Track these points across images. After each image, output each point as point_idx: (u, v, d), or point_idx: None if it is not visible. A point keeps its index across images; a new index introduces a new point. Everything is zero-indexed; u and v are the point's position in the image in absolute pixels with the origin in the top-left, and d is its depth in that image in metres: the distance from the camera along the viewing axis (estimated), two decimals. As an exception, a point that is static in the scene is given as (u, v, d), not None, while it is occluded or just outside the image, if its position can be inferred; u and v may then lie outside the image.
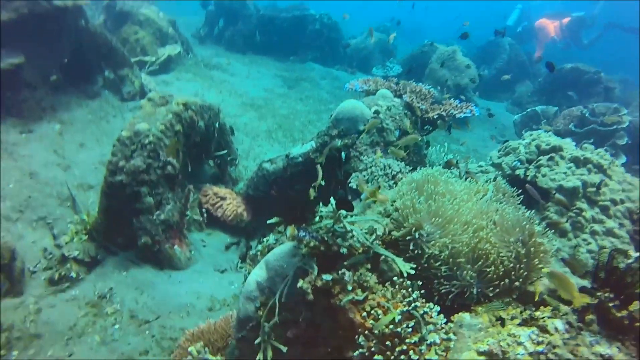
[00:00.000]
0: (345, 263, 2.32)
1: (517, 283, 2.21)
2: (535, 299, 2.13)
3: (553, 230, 3.93)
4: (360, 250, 2.39)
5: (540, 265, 2.25)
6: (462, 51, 11.73)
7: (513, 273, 2.22)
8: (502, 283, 2.24)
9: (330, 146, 3.87)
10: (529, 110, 10.50)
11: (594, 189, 4.08)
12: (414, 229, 2.38)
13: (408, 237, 2.37)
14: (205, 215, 4.72)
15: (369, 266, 2.33)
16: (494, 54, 14.33)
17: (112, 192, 3.86)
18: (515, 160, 4.57)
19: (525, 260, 2.24)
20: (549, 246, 2.38)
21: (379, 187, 2.83)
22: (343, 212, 2.34)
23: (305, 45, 13.32)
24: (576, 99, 11.60)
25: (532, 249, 2.26)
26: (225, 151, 5.21)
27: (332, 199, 2.37)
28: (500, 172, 4.67)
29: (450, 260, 2.33)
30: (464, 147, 9.29)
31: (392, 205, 2.76)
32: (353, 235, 2.40)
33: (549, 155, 4.30)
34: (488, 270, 2.28)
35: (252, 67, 11.14)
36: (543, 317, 1.85)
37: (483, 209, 2.53)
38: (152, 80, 7.16)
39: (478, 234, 2.39)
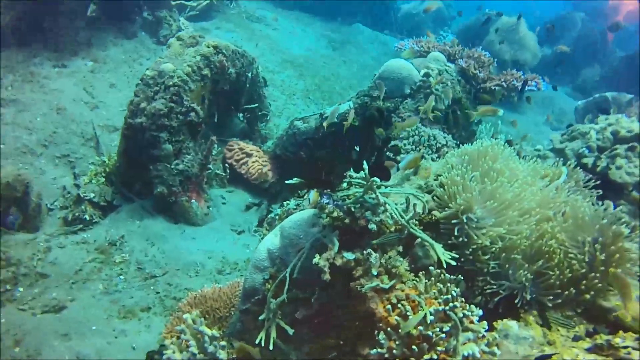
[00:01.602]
0: (372, 242, 1.93)
1: (587, 295, 1.75)
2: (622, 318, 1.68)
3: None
4: (392, 229, 1.98)
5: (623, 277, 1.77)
6: (527, 25, 10.58)
7: (584, 282, 1.75)
8: (566, 292, 1.78)
9: (371, 105, 3.40)
10: (596, 96, 9.38)
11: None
12: (461, 210, 1.94)
13: (453, 221, 1.94)
14: (228, 170, 4.43)
15: (400, 249, 1.93)
16: (563, 29, 12.86)
17: (131, 135, 3.62)
18: (583, 147, 3.92)
19: (602, 267, 1.76)
20: (638, 253, 1.87)
21: (422, 157, 2.38)
22: (377, 180, 1.92)
23: (354, 6, 12.48)
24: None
25: (614, 254, 1.77)
26: (256, 105, 4.85)
27: (364, 163, 1.96)
28: (561, 159, 4.04)
29: (503, 254, 1.89)
30: (514, 129, 8.47)
31: (435, 180, 2.31)
32: (386, 210, 1.99)
33: (630, 145, 3.63)
34: (550, 273, 1.82)
35: (298, 24, 10.55)
36: (626, 347, 1.40)
37: (550, 196, 2.04)
38: (190, 26, 6.82)
39: (542, 226, 1.92)
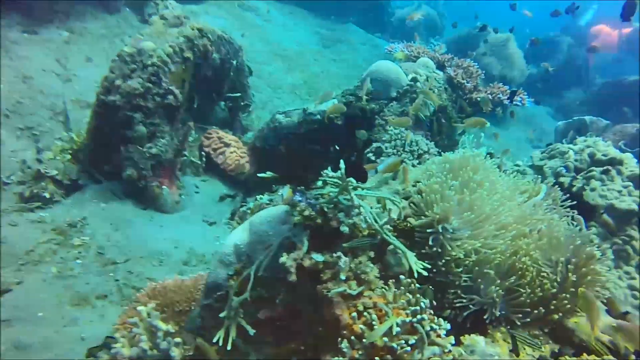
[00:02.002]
0: (343, 245, 1.85)
1: (555, 315, 1.72)
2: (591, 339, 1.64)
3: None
4: (365, 233, 1.91)
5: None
6: (517, 43, 10.75)
7: (554, 302, 1.72)
8: (535, 311, 1.74)
9: (355, 104, 3.33)
10: (575, 118, 9.60)
11: (650, 216, 3.47)
12: (437, 220, 1.88)
13: (428, 230, 1.88)
14: (204, 159, 4.28)
15: (372, 254, 1.85)
16: (549, 53, 13.12)
17: (103, 113, 3.43)
18: (561, 166, 3.96)
19: (572, 288, 1.73)
20: (608, 276, 1.86)
21: (402, 161, 2.31)
22: (353, 181, 1.84)
23: (349, 6, 12.40)
24: (630, 117, 10.58)
25: (585, 276, 1.75)
26: (239, 94, 4.71)
27: (342, 162, 1.87)
28: (540, 177, 4.07)
29: (476, 268, 1.84)
30: (496, 143, 8.59)
31: (414, 186, 2.24)
32: (360, 213, 1.91)
33: (605, 168, 3.67)
34: (521, 290, 1.78)
35: (290, 18, 10.40)
36: (593, 372, 1.36)
37: (528, 213, 2.01)
38: (179, 7, 6.58)
39: (517, 242, 1.88)
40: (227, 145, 4.41)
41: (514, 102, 4.23)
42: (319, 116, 3.86)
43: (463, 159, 2.06)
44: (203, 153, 4.30)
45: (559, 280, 1.80)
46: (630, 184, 3.63)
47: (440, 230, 1.85)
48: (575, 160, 3.95)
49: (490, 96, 4.30)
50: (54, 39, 4.90)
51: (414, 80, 3.87)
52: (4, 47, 4.40)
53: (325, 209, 1.92)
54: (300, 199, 1.96)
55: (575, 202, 2.51)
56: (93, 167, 3.62)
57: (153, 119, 3.49)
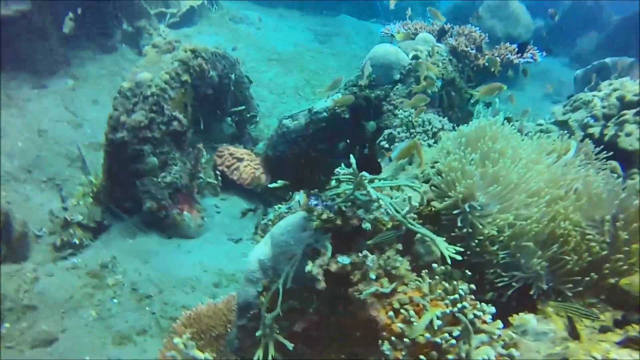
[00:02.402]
0: (368, 242, 1.77)
1: (611, 279, 1.57)
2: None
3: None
4: (388, 226, 1.81)
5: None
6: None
7: (607, 265, 1.57)
8: (587, 278, 1.60)
9: (360, 95, 3.22)
10: (595, 63, 9.09)
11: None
12: (462, 199, 1.77)
13: (455, 211, 1.76)
14: (219, 178, 4.27)
15: (399, 247, 1.76)
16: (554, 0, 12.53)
17: (114, 151, 3.47)
18: (587, 116, 3.72)
19: (625, 247, 1.58)
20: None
21: (416, 143, 2.19)
22: (366, 174, 1.75)
23: (339, -3, 12.23)
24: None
25: (638, 232, 1.59)
26: (242, 107, 4.68)
27: (352, 157, 1.79)
28: (567, 132, 3.84)
29: (513, 243, 1.71)
30: (512, 105, 8.25)
31: (432, 167, 2.13)
32: (380, 206, 1.82)
33: (639, 109, 3.42)
34: (567, 258, 1.64)
35: (282, 20, 10.36)
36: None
37: (560, 174, 1.86)
38: (172, 33, 6.66)
39: (553, 207, 1.74)
40: (240, 159, 4.39)
41: (525, 59, 4.01)
42: (325, 113, 3.77)
43: (479, 129, 1.93)
44: (217, 172, 4.29)
45: (608, 240, 1.65)
46: (669, 122, 3.37)
47: (467, 209, 1.74)
48: (603, 107, 3.70)
49: (498, 58, 4.09)
50: (60, 89, 5.03)
51: (416, 57, 3.73)
52: (18, 106, 4.55)
53: (344, 208, 1.84)
54: (316, 202, 1.89)
55: (611, 153, 2.33)
56: (115, 206, 3.66)
57: (162, 147, 3.50)
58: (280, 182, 2.03)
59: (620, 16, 11.69)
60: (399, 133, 3.18)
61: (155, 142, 3.45)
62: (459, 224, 1.74)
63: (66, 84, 5.21)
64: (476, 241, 1.72)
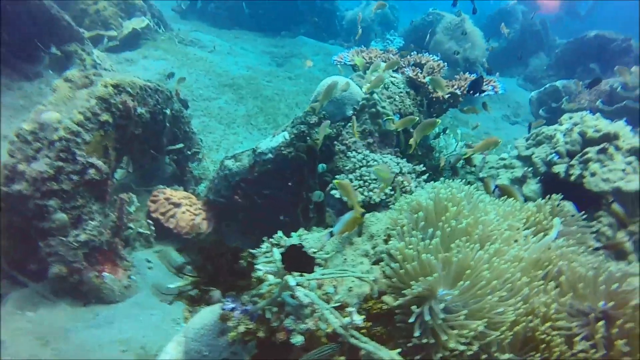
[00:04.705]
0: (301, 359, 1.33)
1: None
2: None
3: (610, 253, 2.91)
4: (324, 335, 1.38)
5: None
6: (471, 21, 10.45)
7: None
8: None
9: (309, 134, 2.82)
10: (547, 86, 9.29)
11: (663, 193, 3.03)
12: (421, 298, 1.37)
13: (411, 318, 1.36)
14: (152, 227, 3.72)
15: (342, 366, 1.34)
16: (505, 24, 12.94)
17: (10, 207, 2.85)
18: (551, 153, 3.50)
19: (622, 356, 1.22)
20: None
21: (363, 214, 1.78)
22: (291, 278, 1.33)
23: (297, 19, 12.02)
24: (599, 73, 10.31)
25: (634, 335, 1.24)
26: (181, 144, 4.17)
27: (275, 251, 1.35)
28: (530, 169, 3.62)
29: (484, 357, 1.32)
30: (475, 131, 8.19)
31: (386, 241, 1.73)
32: (314, 310, 1.39)
33: (601, 146, 3.23)
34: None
35: (237, 43, 9.96)
36: None
37: (538, 257, 1.51)
38: (108, 58, 6.06)
39: (532, 307, 1.37)
40: (177, 205, 3.85)
41: (486, 93, 3.77)
42: (270, 155, 3.34)
43: (438, 202, 1.56)
44: (150, 221, 3.73)
45: (599, 345, 1.29)
46: (633, 158, 3.19)
47: (427, 315, 1.34)
48: (566, 143, 3.49)
49: (458, 90, 3.84)
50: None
51: (371, 92, 3.39)
52: None
53: (268, 316, 1.39)
54: (231, 306, 1.44)
55: (586, 216, 2.04)
56: (15, 270, 3.02)
57: (74, 201, 2.93)
58: (179, 283, 1.56)
59: (564, 40, 12.29)
60: (351, 181, 2.79)
61: (64, 195, 2.87)
62: (416, 334, 1.33)
63: (-25, 119, 4.50)
64: (439, 356, 1.32)
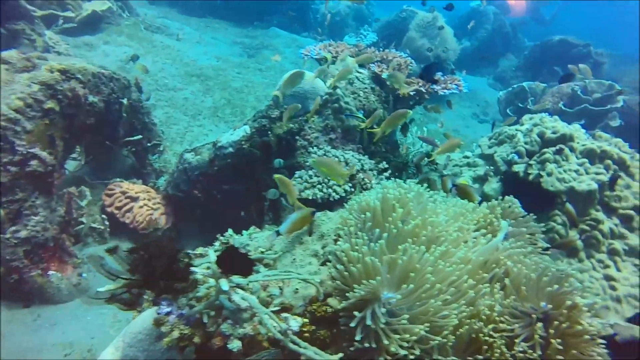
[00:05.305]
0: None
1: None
2: None
3: (561, 251, 2.98)
4: (265, 339, 1.32)
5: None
6: (444, 19, 10.56)
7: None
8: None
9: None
10: (515, 86, 9.52)
11: (613, 194, 3.13)
12: (364, 302, 1.33)
13: (353, 322, 1.31)
14: (107, 222, 3.54)
15: (280, 374, 1.28)
16: (477, 23, 13.20)
17: (-58, 201, 2.63)
18: (512, 152, 3.56)
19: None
20: (595, 326, 1.37)
21: (314, 212, 1.73)
22: (233, 279, 1.26)
23: (271, 9, 11.79)
24: (562, 75, 10.67)
25: (570, 337, 1.25)
26: (139, 136, 3.99)
27: (210, 252, 1.27)
28: (492, 167, 3.66)
29: (427, 362, 1.30)
30: (442, 128, 8.31)
31: (335, 241, 1.68)
32: (254, 314, 1.32)
33: (557, 147, 3.30)
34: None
35: (207, 32, 9.66)
36: None
37: (485, 260, 1.49)
38: (64, 41, 5.72)
39: (477, 309, 1.36)
40: (135, 199, 3.68)
41: (450, 91, 3.79)
42: (231, 149, 3.23)
43: (386, 202, 1.51)
44: (104, 216, 3.55)
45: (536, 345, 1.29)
46: (586, 160, 3.28)
47: (369, 318, 1.29)
48: (526, 143, 3.55)
49: (423, 88, 3.84)
50: None
51: (334, 86, 3.33)
52: None
53: (205, 320, 1.31)
54: (169, 309, 1.35)
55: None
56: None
57: (13, 195, 2.73)
58: (109, 286, 1.46)
59: (532, 43, 12.69)
60: (310, 177, 2.73)
61: (1, 188, 2.67)
62: (358, 338, 1.29)
63: None
64: (382, 361, 1.29)
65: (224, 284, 1.22)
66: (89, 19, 6.70)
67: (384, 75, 3.55)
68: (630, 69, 9.90)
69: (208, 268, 1.32)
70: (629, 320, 2.19)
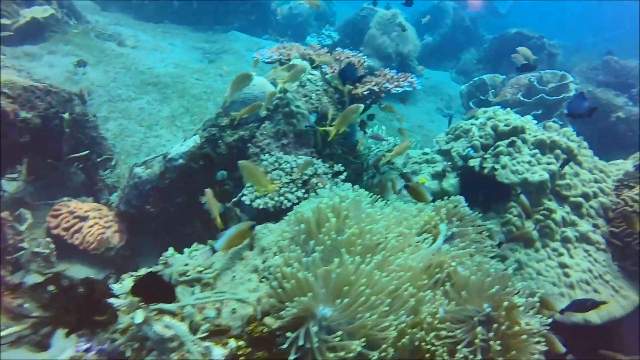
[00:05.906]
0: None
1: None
2: None
3: (519, 242, 3.02)
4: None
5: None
6: (404, 16, 10.68)
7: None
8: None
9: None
10: (475, 79, 9.73)
11: (564, 182, 3.19)
12: (298, 319, 1.26)
13: (284, 344, 1.25)
14: (52, 246, 3.34)
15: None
16: (437, 19, 13.45)
17: None
18: (467, 147, 3.58)
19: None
20: (532, 325, 1.36)
21: (252, 226, 1.65)
22: (139, 312, 1.16)
23: (230, 12, 11.59)
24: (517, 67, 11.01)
25: (510, 338, 1.22)
26: (87, 151, 3.79)
27: (126, 280, 1.18)
28: (449, 163, 3.68)
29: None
30: (407, 124, 8.37)
31: (275, 252, 1.61)
32: (182, 343, 1.23)
33: (510, 139, 3.34)
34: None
35: (165, 38, 9.39)
36: None
37: (424, 264, 1.46)
38: (5, 52, 5.39)
39: (419, 318, 1.31)
40: (84, 218, 3.49)
41: (403, 88, 3.78)
42: (181, 160, 3.11)
43: (319, 213, 1.45)
44: (49, 239, 3.35)
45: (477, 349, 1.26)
46: (537, 151, 3.33)
47: (303, 338, 1.23)
48: (480, 137, 3.59)
49: (376, 87, 3.82)
50: None
51: (284, 90, 3.25)
52: None
53: (129, 353, 1.21)
54: (87, 346, 1.24)
55: (480, 215, 2.06)
56: None
57: (-62, 224, 2.52)
58: (17, 327, 1.33)
59: (491, 36, 13.03)
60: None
61: None
62: (291, 357, 1.22)
63: None
64: (319, 382, 1.22)
65: (138, 317, 1.13)
66: (29, 27, 6.34)
67: (328, 77, 3.51)
68: (579, 59, 10.33)
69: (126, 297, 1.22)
70: (562, 311, 2.16)
